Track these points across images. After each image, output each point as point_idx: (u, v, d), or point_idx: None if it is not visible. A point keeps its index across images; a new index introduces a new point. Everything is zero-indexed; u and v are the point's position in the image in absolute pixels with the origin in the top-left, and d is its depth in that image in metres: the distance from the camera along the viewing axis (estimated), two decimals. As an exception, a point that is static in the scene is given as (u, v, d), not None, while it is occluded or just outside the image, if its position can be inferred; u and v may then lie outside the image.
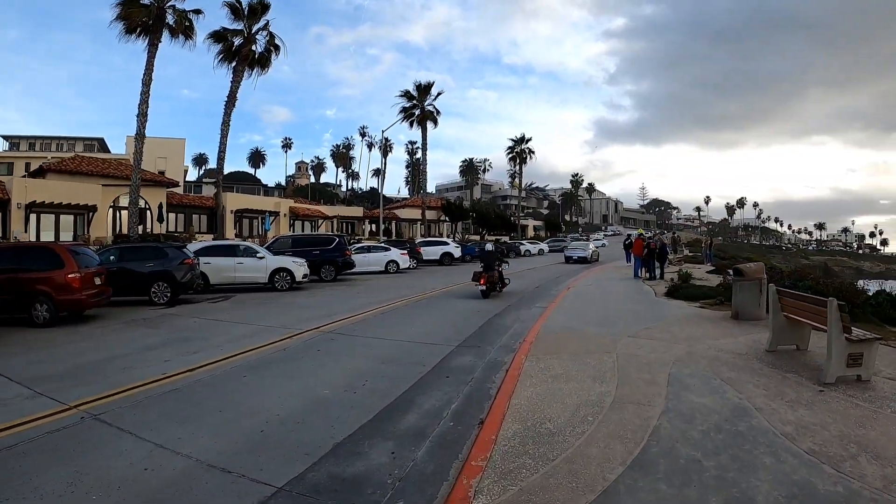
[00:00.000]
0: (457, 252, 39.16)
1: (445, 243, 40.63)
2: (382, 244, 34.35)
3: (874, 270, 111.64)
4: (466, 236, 66.38)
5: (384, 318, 13.58)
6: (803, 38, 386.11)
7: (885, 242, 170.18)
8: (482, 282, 17.26)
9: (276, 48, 37.45)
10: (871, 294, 14.52)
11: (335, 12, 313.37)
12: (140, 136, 29.94)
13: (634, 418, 6.08)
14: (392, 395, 7.10)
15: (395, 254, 31.42)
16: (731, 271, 21.71)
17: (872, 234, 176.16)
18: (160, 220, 36.94)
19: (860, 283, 18.67)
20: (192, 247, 20.16)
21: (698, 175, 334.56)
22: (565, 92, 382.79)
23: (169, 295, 16.93)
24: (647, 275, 23.64)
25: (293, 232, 49.30)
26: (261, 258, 20.98)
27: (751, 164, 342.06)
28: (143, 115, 29.78)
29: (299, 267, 21.40)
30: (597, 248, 46.51)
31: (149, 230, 35.35)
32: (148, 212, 36.91)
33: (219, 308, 15.94)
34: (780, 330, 9.16)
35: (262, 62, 37.27)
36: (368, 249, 31.92)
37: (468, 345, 10.31)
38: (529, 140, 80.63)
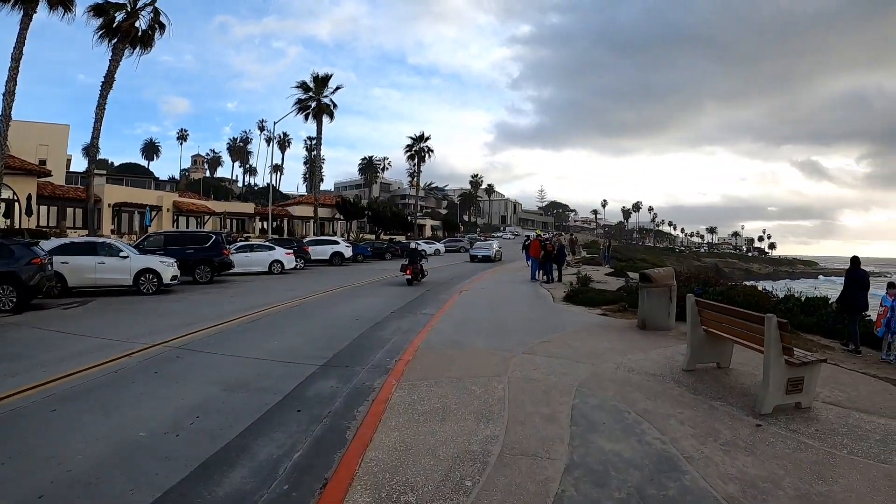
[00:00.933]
0: (348, 252, 36.73)
1: (336, 242, 38.04)
2: (267, 243, 31.44)
3: (762, 271, 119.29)
4: (361, 235, 63.72)
5: (249, 329, 11.30)
6: (700, 54, 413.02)
7: (772, 246, 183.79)
8: (408, 272, 21.51)
9: (162, 26, 33.56)
10: (780, 298, 13.80)
11: (242, 1, 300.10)
12: (6, 118, 25.77)
13: (528, 481, 4.34)
14: (223, 438, 5.36)
15: (280, 253, 28.69)
16: (636, 276, 20.97)
17: (761, 238, 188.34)
18: (28, 213, 32.16)
19: (766, 286, 18.15)
20: (47, 244, 16.84)
21: (596, 179, 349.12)
22: (468, 94, 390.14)
23: (15, 300, 13.74)
24: (545, 277, 22.50)
25: (176, 229, 45.04)
26: (124, 257, 17.89)
27: (647, 169, 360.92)
28: (9, 94, 25.65)
29: (167, 268, 18.51)
30: (499, 248, 46.13)
31: (17, 224, 30.75)
32: (16, 204, 32.20)
33: (70, 316, 13.05)
34: (699, 346, 7.81)
35: (145, 41, 33.25)
36: (251, 248, 28.98)
37: (336, 364, 8.31)
38: (428, 138, 79.25)
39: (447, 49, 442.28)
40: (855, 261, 10.73)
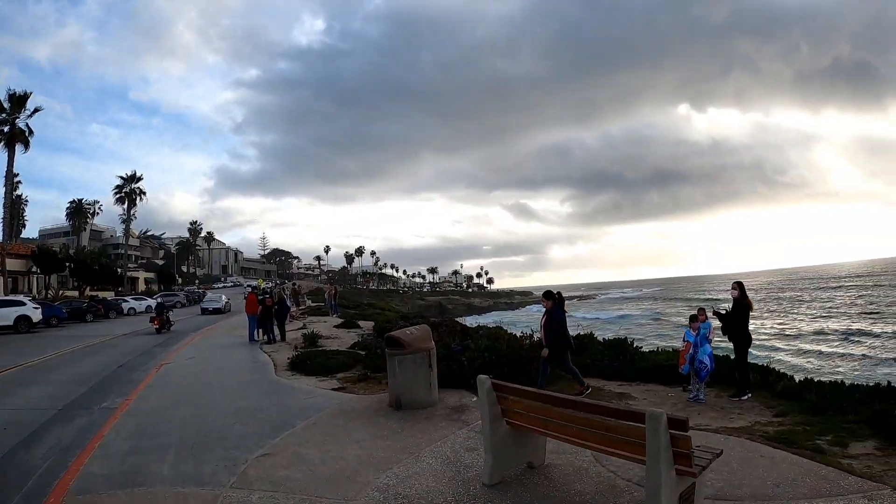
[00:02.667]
0: (36, 314, 28.02)
1: (20, 303, 28.72)
2: None
3: (483, 305, 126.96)
4: (62, 292, 51.24)
5: None
6: (420, 108, 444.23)
7: (490, 281, 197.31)
8: (156, 323, 24.08)
9: None
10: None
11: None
12: None
13: None
14: None
15: None
16: (369, 327, 18.49)
17: (479, 275, 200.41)
18: None
19: (501, 318, 16.76)
20: None
21: (318, 226, 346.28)
22: (190, 137, 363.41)
23: None
24: (265, 337, 18.53)
25: None
26: None
27: (368, 215, 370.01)
28: None
29: None
30: (227, 299, 44.40)
31: None
32: None
33: None
34: (502, 447, 5.07)
35: None
36: None
37: None
38: (140, 178, 69.00)
39: (172, 87, 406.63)
40: (550, 295, 9.09)
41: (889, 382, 7.77)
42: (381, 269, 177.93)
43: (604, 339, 12.84)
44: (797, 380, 9.11)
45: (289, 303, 29.56)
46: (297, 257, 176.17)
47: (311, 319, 27.70)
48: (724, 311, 8.99)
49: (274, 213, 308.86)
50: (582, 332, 12.92)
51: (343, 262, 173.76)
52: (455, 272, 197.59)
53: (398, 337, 8.34)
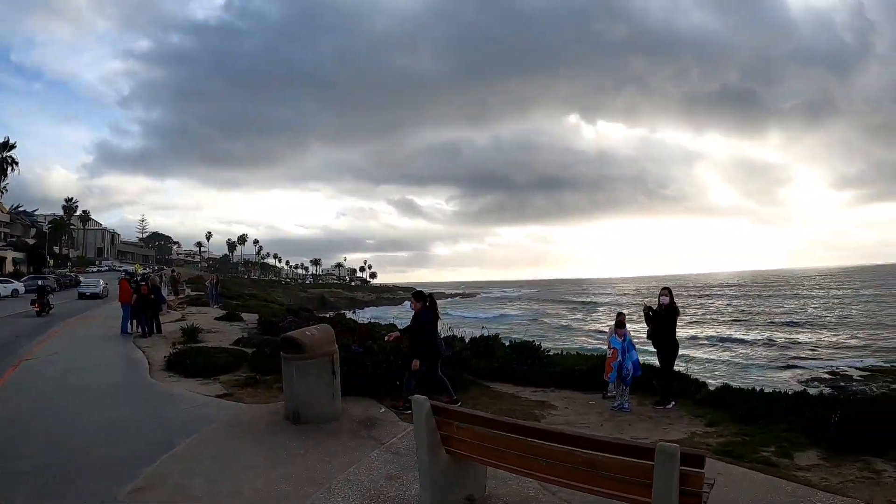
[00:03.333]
0: None
1: None
2: None
3: (366, 299, 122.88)
4: None
5: None
6: (315, 96, 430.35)
7: (373, 275, 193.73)
8: (37, 306, 23.71)
9: None
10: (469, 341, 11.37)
11: None
12: None
13: None
14: None
15: None
16: (254, 320, 17.22)
17: (362, 269, 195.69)
18: None
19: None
20: None
21: (201, 211, 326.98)
22: (73, 107, 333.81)
23: None
24: (140, 330, 16.40)
25: None
26: None
27: (252, 203, 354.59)
28: None
29: None
30: (105, 284, 41.04)
31: None
32: None
33: None
34: (441, 481, 4.15)
35: None
36: None
37: None
38: (14, 147, 62.74)
39: (59, 52, 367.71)
40: (420, 297, 8.14)
41: (806, 389, 7.78)
42: (263, 258, 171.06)
43: (510, 341, 12.32)
44: (711, 387, 9.06)
45: (165, 291, 26.98)
46: (177, 242, 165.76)
47: (191, 310, 25.41)
48: (656, 310, 8.40)
49: (155, 195, 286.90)
50: (488, 334, 12.22)
51: (225, 250, 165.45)
52: (339, 265, 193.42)
53: (297, 339, 7.06)
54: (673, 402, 8.06)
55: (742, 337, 40.00)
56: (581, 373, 9.42)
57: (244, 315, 22.40)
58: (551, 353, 11.31)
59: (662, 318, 8.23)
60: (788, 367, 27.77)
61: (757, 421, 7.06)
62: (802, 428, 6.45)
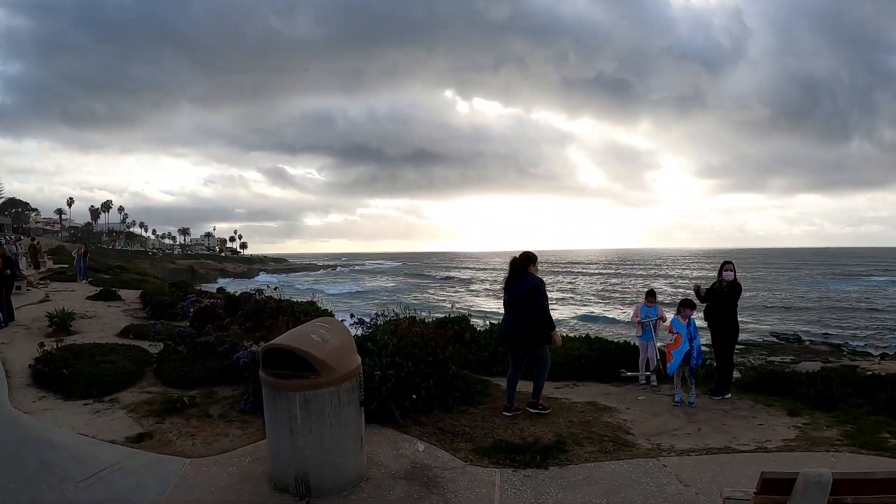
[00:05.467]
0: None
1: None
2: None
3: (237, 271, 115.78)
4: None
5: None
6: (185, 55, 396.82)
7: (244, 246, 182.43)
8: None
9: None
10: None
11: None
12: None
13: None
14: None
15: None
16: (137, 298, 14.21)
17: (232, 239, 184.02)
18: None
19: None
20: None
21: (62, 175, 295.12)
22: None
23: None
24: (-9, 318, 12.53)
25: None
26: None
27: (117, 167, 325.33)
28: None
29: None
30: None
31: None
32: None
33: None
34: None
35: None
36: None
37: None
38: None
39: None
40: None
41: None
42: (128, 227, 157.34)
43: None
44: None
45: (24, 264, 22.61)
46: (35, 209, 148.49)
47: (55, 287, 20.98)
48: (717, 287, 7.03)
49: (11, 157, 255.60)
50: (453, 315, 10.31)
51: (88, 218, 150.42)
52: (208, 234, 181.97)
53: (306, 352, 4.04)
54: (729, 393, 6.94)
55: (614, 317, 39.65)
56: (579, 359, 8.13)
57: (122, 293, 18.68)
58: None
59: (725, 295, 6.86)
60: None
61: (837, 406, 6.26)
62: (884, 409, 6.04)
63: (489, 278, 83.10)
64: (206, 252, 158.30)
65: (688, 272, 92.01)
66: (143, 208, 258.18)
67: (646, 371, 7.70)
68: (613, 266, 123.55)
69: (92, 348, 8.52)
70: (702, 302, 7.04)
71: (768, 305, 44.94)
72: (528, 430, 5.50)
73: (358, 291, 65.86)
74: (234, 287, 45.08)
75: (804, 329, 32.66)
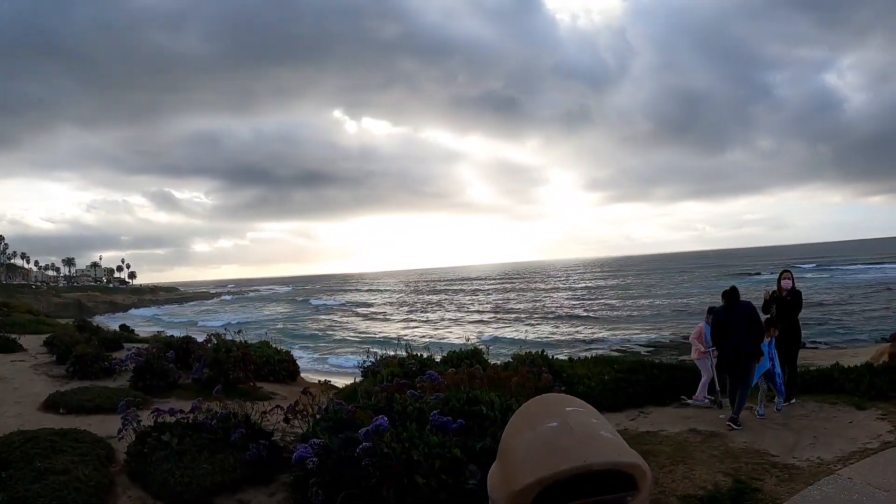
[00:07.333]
0: None
1: None
2: None
3: (127, 302, 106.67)
4: None
5: None
6: (65, 71, 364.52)
7: (133, 275, 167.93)
8: None
9: None
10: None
11: None
12: None
13: None
14: None
15: None
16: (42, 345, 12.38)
17: (120, 268, 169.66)
18: None
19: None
20: None
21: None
22: None
23: None
24: None
25: None
26: None
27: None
28: None
29: None
30: None
31: None
32: None
33: None
34: None
35: None
36: None
37: None
38: None
39: None
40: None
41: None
42: (9, 258, 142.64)
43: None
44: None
45: None
46: None
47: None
48: (778, 296, 7.30)
49: None
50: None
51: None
52: (94, 264, 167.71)
53: (634, 465, 0.76)
54: (793, 399, 7.06)
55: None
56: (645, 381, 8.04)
57: (21, 340, 15.59)
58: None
59: (788, 303, 7.25)
60: (590, 349, 25.94)
61: (888, 396, 6.64)
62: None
63: (386, 301, 79.54)
64: (93, 283, 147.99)
65: (581, 284, 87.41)
66: (22, 238, 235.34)
67: (709, 395, 7.63)
68: (509, 280, 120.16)
69: (22, 444, 5.81)
70: (765, 313, 7.15)
71: (672, 310, 42.28)
72: (695, 479, 4.93)
73: (258, 320, 59.96)
74: (131, 321, 40.97)
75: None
